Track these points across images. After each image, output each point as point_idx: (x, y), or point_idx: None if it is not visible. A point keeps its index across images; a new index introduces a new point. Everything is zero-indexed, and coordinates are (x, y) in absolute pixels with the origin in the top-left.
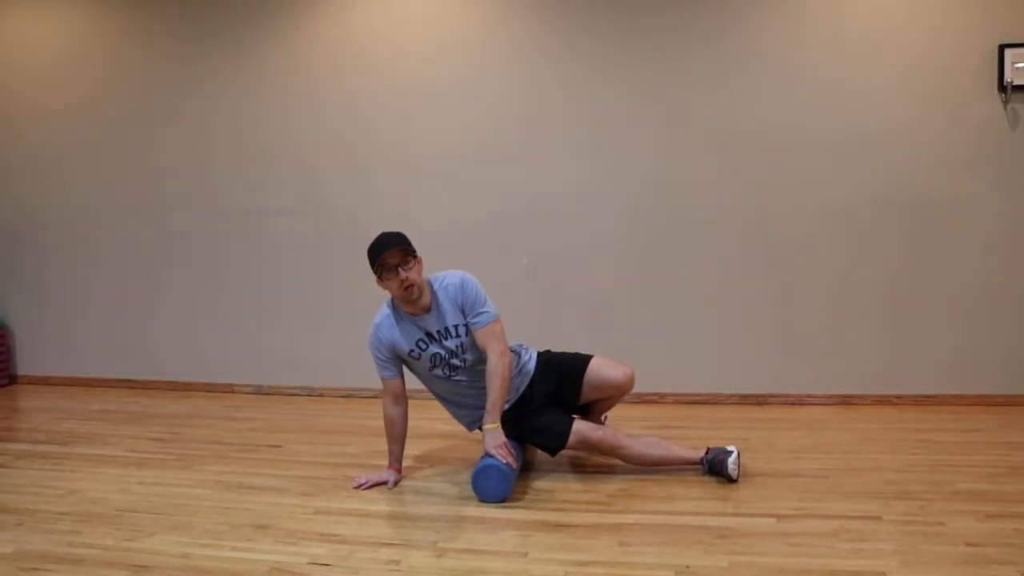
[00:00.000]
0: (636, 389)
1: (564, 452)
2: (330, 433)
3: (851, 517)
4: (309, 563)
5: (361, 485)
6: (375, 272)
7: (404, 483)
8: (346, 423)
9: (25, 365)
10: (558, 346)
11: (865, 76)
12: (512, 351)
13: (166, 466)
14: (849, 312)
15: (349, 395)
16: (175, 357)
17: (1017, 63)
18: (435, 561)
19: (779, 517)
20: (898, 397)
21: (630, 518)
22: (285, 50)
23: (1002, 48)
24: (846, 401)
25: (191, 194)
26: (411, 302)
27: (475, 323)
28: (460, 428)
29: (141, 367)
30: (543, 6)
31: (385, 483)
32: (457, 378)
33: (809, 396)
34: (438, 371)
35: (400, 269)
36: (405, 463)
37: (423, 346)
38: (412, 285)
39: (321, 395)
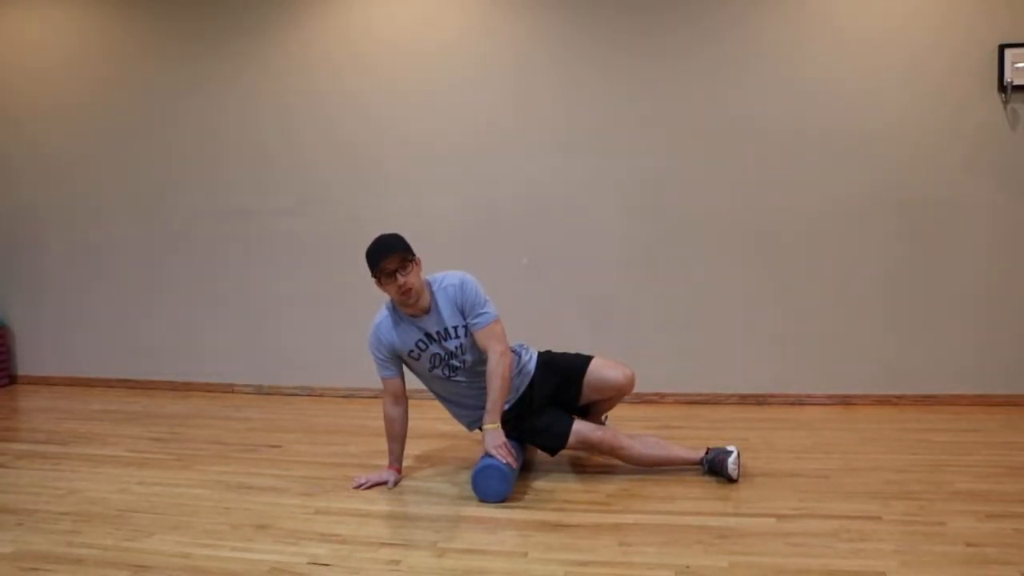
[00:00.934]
0: (636, 389)
1: (564, 452)
2: (330, 433)
3: (851, 517)
4: (309, 563)
5: (361, 485)
6: (373, 276)
7: (404, 483)
8: (346, 423)
9: (25, 365)
10: (558, 346)
11: (865, 76)
12: (512, 351)
13: (166, 466)
14: (849, 312)
15: (349, 395)
16: (175, 357)
17: (1017, 63)
18: (435, 561)
19: (779, 517)
20: (898, 397)
21: (630, 518)
22: (285, 50)
23: (1002, 48)
24: (846, 401)
25: (191, 194)
26: (409, 305)
27: (475, 324)
28: (460, 428)
29: (141, 367)
30: (543, 6)
31: (385, 483)
32: (457, 378)
33: (809, 396)
34: (438, 371)
35: (399, 275)
36: (405, 463)
37: (423, 346)
38: (410, 290)
39: (321, 395)
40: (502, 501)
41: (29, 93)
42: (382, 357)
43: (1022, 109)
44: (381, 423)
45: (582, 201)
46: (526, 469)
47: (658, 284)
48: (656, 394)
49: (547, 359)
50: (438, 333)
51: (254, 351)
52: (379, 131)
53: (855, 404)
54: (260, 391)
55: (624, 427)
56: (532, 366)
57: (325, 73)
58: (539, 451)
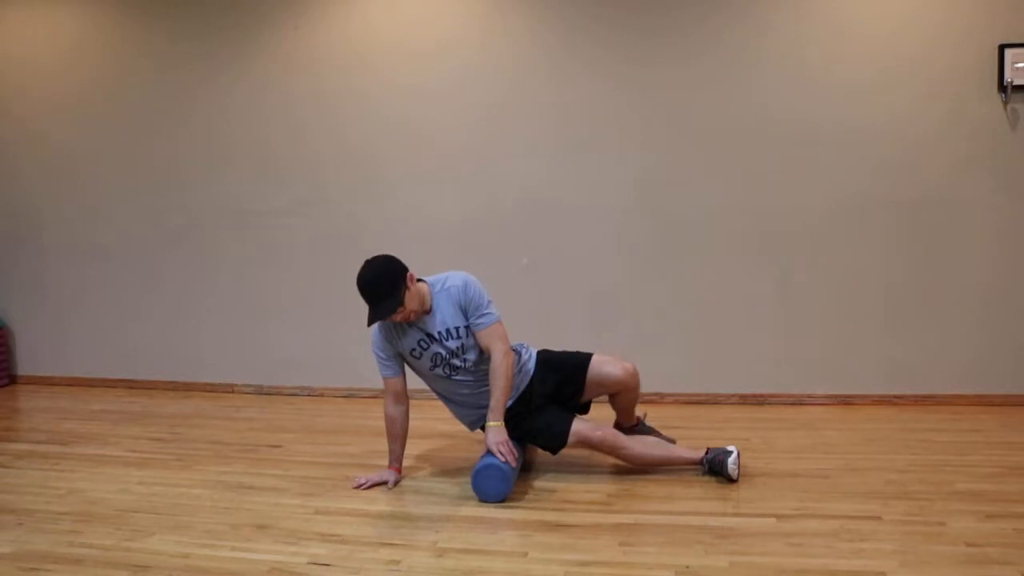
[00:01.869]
0: None
1: (565, 451)
2: (330, 433)
3: (851, 517)
4: (309, 563)
5: (361, 485)
6: None
7: (404, 483)
8: (346, 423)
9: (25, 365)
10: (558, 346)
11: (864, 76)
12: (513, 350)
13: (166, 466)
14: (849, 312)
15: (349, 395)
16: (175, 357)
17: (1017, 63)
18: (435, 561)
19: (779, 517)
20: (898, 397)
21: (630, 518)
22: (285, 51)
23: (1002, 48)
24: (846, 401)
25: (191, 194)
26: (412, 322)
27: (478, 324)
28: (460, 428)
29: (141, 367)
30: (545, 6)
31: (385, 483)
32: (458, 378)
33: (809, 396)
34: (439, 371)
35: (395, 316)
36: (405, 463)
37: (424, 346)
38: (410, 314)
39: (321, 395)
40: (502, 501)
41: (30, 93)
42: (384, 356)
43: (1022, 109)
44: (381, 423)
45: (582, 201)
46: (526, 469)
47: (658, 284)
48: (656, 394)
49: (546, 357)
50: (439, 333)
51: (254, 351)
52: (379, 132)
53: (855, 404)
54: (260, 391)
55: None
56: (532, 365)
57: (327, 73)
58: (539, 450)
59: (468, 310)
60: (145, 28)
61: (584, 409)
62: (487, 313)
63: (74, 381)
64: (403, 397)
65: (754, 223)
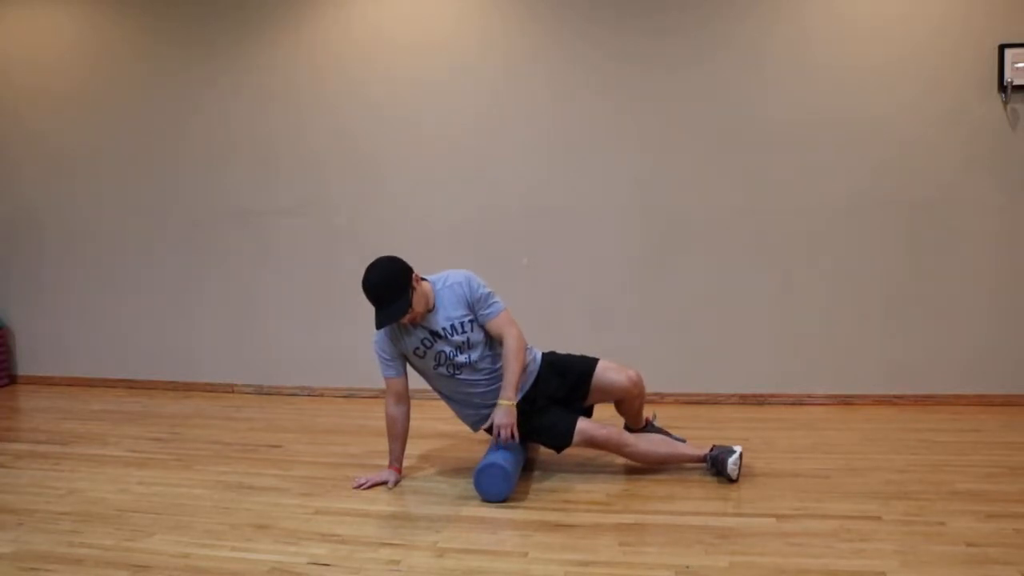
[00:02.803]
0: None
1: (567, 451)
2: (330, 433)
3: (851, 517)
4: (309, 563)
5: (361, 485)
6: None
7: (404, 483)
8: (346, 423)
9: (25, 365)
10: (559, 347)
11: (863, 76)
12: None
13: (166, 466)
14: (849, 312)
15: (349, 395)
16: (175, 357)
17: (1017, 63)
18: (435, 561)
19: (779, 517)
20: (898, 397)
21: (630, 518)
22: (285, 51)
23: (1002, 48)
24: (846, 401)
25: (191, 194)
26: (418, 321)
27: (487, 315)
28: (460, 428)
29: (141, 367)
30: (547, 7)
31: (385, 483)
32: (461, 376)
33: (809, 396)
34: (442, 369)
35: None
36: (405, 463)
37: (428, 344)
38: (416, 316)
39: (321, 395)
40: (503, 500)
41: (29, 92)
42: (386, 356)
43: (1022, 109)
44: (381, 423)
45: (582, 201)
46: (527, 468)
47: (658, 284)
48: (656, 394)
49: (552, 359)
50: (443, 330)
51: (254, 351)
52: (379, 133)
53: (855, 404)
54: (260, 391)
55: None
56: (536, 366)
57: (327, 73)
58: (540, 450)
59: (474, 304)
60: (144, 29)
61: (588, 412)
62: (494, 303)
63: (74, 381)
64: (404, 397)
65: (754, 223)
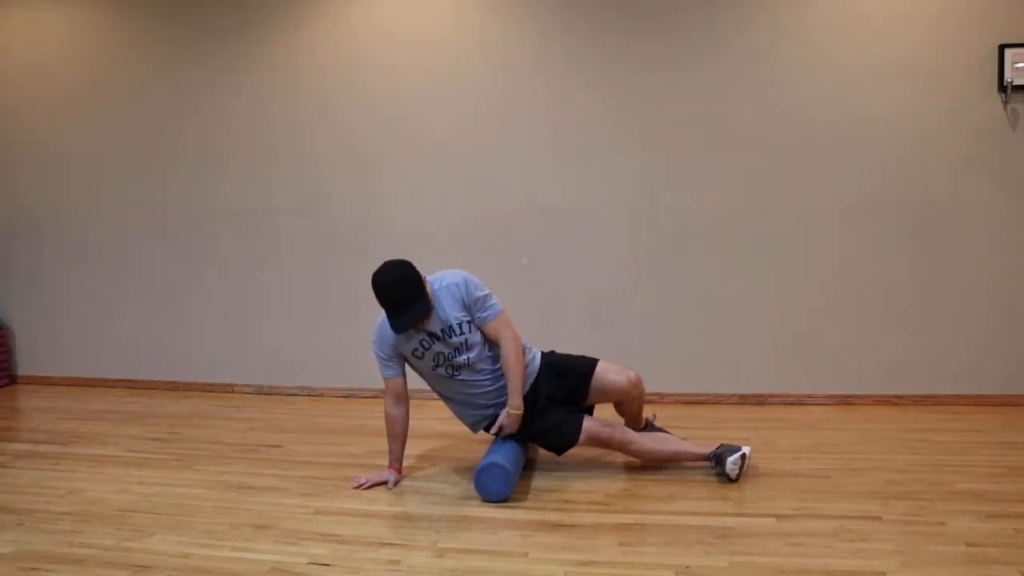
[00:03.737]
0: None
1: (567, 451)
2: (330, 433)
3: (851, 517)
4: (309, 563)
5: (361, 485)
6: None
7: (404, 483)
8: (346, 423)
9: (25, 365)
10: (559, 346)
11: (863, 77)
12: None
13: (166, 466)
14: (849, 312)
15: (349, 395)
16: (175, 357)
17: (1017, 63)
18: (435, 561)
19: (779, 517)
20: (898, 397)
21: (630, 518)
22: (285, 52)
23: (1002, 48)
24: (846, 401)
25: (191, 194)
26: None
27: (485, 317)
28: (460, 428)
29: (141, 367)
30: (547, 8)
31: (385, 483)
32: (460, 377)
33: (809, 396)
34: (441, 370)
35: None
36: (405, 463)
37: (426, 345)
38: (426, 323)
39: (321, 395)
40: (503, 500)
41: (28, 92)
42: (385, 357)
43: (1022, 109)
44: (381, 423)
45: (582, 201)
46: (527, 469)
47: (658, 284)
48: (656, 394)
49: (551, 360)
50: (442, 331)
51: (254, 351)
52: (379, 133)
53: (855, 404)
54: (260, 391)
55: None
56: (536, 365)
57: (328, 74)
58: (540, 450)
59: (472, 305)
60: (143, 29)
61: (589, 412)
62: (492, 305)
63: (74, 381)
64: (403, 397)
65: (754, 223)
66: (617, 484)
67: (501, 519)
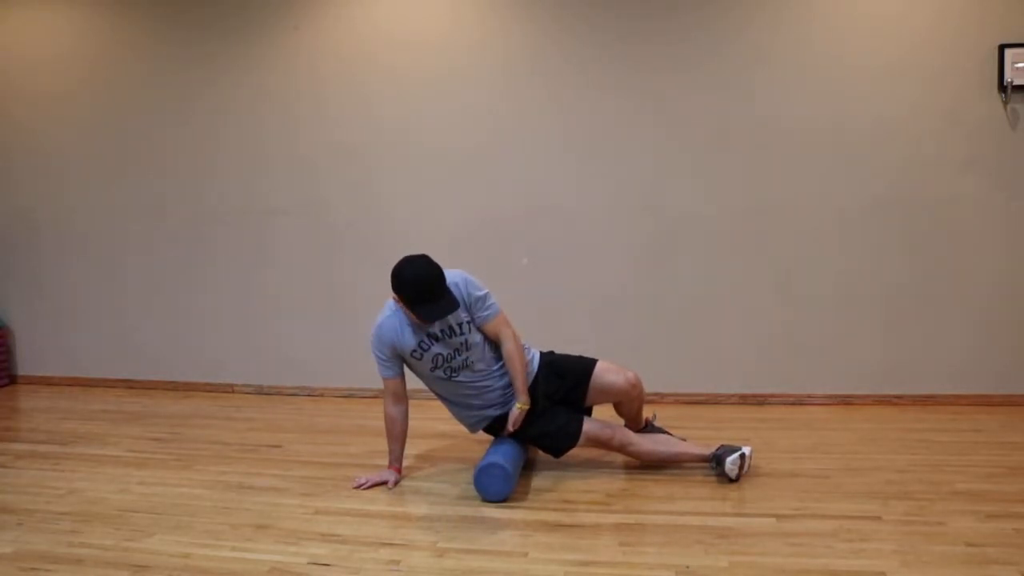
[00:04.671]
0: None
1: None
2: (330, 433)
3: (851, 517)
4: (309, 563)
5: (361, 485)
6: (403, 301)
7: (404, 483)
8: (346, 423)
9: (25, 365)
10: (559, 347)
11: (862, 77)
12: None
13: (166, 466)
14: (849, 312)
15: (349, 395)
16: (175, 357)
17: (1017, 63)
18: (435, 561)
19: (779, 517)
20: (898, 397)
21: (630, 518)
22: (285, 53)
23: (1002, 48)
24: (846, 401)
25: (191, 194)
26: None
27: (484, 316)
28: (460, 428)
29: (141, 367)
30: (547, 8)
31: (385, 483)
32: (459, 379)
33: (809, 396)
34: (439, 372)
35: None
36: (405, 463)
37: (425, 346)
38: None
39: (321, 395)
40: (503, 500)
41: (28, 92)
42: (383, 357)
43: (1022, 109)
44: (381, 423)
45: (582, 201)
46: (527, 468)
47: (658, 284)
48: (656, 394)
49: (550, 360)
50: (441, 331)
51: (254, 351)
52: (379, 132)
53: (855, 404)
54: (260, 391)
55: None
56: (535, 366)
57: (328, 74)
58: (540, 450)
59: (471, 305)
60: (143, 29)
61: (588, 412)
62: (491, 305)
63: (74, 381)
64: (403, 397)
65: (754, 223)
66: (617, 484)
67: (501, 519)
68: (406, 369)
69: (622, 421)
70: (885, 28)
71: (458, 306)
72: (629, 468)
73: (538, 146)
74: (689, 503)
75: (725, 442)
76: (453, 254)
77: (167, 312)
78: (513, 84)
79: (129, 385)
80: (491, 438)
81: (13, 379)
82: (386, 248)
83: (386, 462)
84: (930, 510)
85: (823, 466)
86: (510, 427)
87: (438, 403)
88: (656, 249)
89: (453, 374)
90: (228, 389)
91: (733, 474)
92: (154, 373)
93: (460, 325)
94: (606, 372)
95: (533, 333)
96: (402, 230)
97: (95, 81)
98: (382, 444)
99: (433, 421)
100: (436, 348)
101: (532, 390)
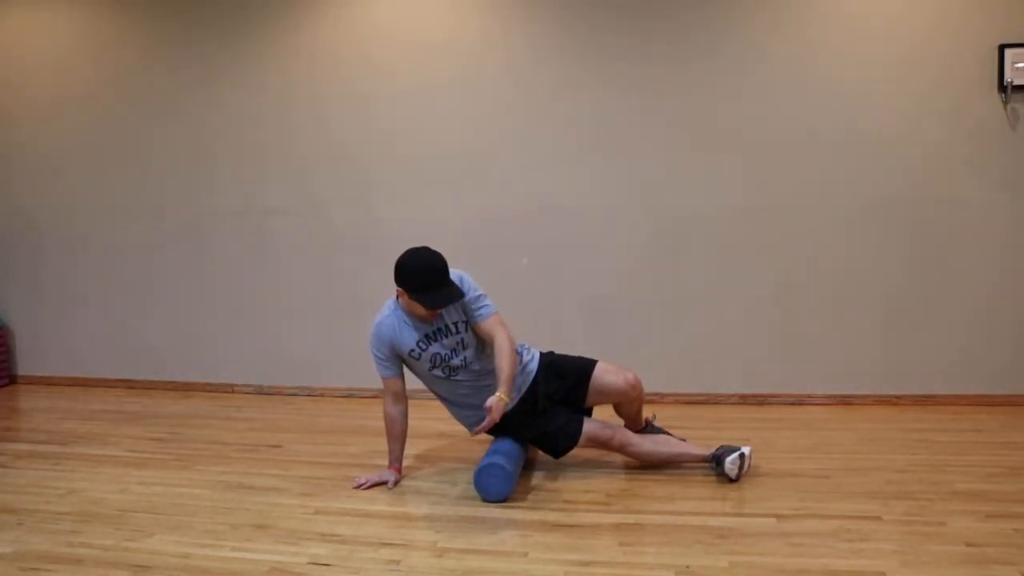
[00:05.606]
0: None
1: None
2: (330, 433)
3: (851, 517)
4: (309, 563)
5: (361, 485)
6: (408, 292)
7: (404, 483)
8: (346, 423)
9: (25, 365)
10: (559, 347)
11: (862, 77)
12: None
13: (166, 466)
14: (849, 312)
15: (349, 395)
16: (175, 357)
17: (1017, 63)
18: (435, 561)
19: (779, 517)
20: (898, 397)
21: (630, 518)
22: (285, 53)
23: (1002, 48)
24: (846, 401)
25: (191, 194)
26: (430, 321)
27: (480, 316)
28: (460, 428)
29: (141, 367)
30: (546, 9)
31: (385, 483)
32: (457, 378)
33: (809, 396)
34: (438, 371)
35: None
36: (405, 463)
37: (423, 346)
38: (434, 313)
39: (321, 395)
40: (503, 500)
41: (27, 92)
42: (382, 357)
43: (1022, 109)
44: (381, 423)
45: (582, 202)
46: (527, 469)
47: (658, 284)
48: (656, 394)
49: (550, 360)
50: (438, 331)
51: (254, 351)
52: (379, 132)
53: (855, 404)
54: (260, 391)
55: None
56: (534, 366)
57: (328, 74)
58: (540, 451)
59: (467, 304)
60: (142, 29)
61: (588, 413)
62: (486, 304)
63: (74, 381)
64: (402, 397)
65: (754, 223)
66: (617, 484)
67: (501, 519)
68: (406, 369)
69: (622, 421)
70: (885, 28)
71: (464, 295)
72: (629, 468)
73: (539, 146)
74: (689, 503)
75: (725, 442)
76: (453, 254)
77: (167, 312)
78: (514, 84)
79: (129, 385)
80: (491, 438)
81: (13, 379)
82: (386, 248)
83: (386, 462)
84: (930, 510)
85: (823, 466)
86: (491, 417)
87: (438, 403)
88: (656, 249)
89: (452, 373)
90: (228, 389)
91: (733, 474)
92: (154, 373)
93: (457, 324)
94: (606, 373)
95: (533, 333)
96: (402, 230)
97: (95, 81)
98: (382, 444)
99: (433, 421)
100: (434, 348)
101: (531, 390)
